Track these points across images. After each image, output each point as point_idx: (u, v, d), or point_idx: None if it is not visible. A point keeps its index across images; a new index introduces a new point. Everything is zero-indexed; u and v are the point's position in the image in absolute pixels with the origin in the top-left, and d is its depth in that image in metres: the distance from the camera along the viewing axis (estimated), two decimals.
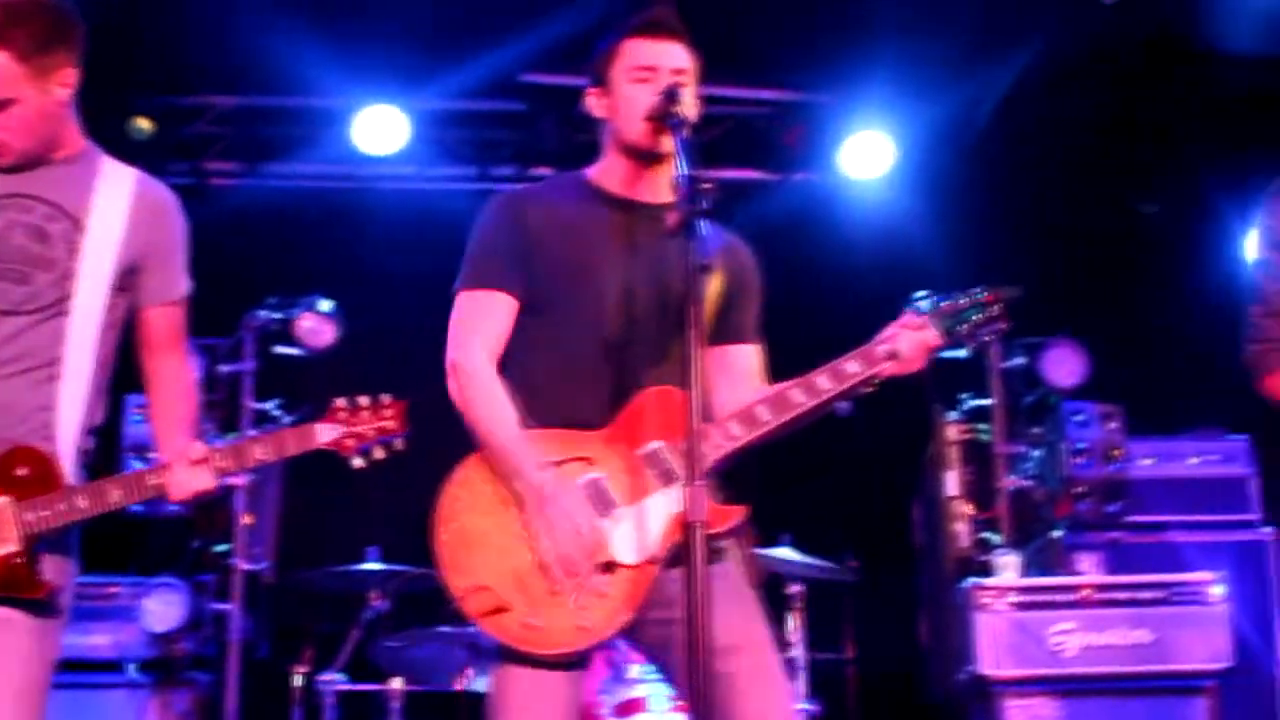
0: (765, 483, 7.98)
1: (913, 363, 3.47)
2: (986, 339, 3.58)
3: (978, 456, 6.90)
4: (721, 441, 3.40)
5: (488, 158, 8.43)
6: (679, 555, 3.27)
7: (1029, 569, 6.61)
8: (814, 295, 7.64)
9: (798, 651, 6.33)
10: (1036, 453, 6.95)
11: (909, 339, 3.48)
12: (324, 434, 3.53)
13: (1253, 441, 6.88)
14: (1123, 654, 5.88)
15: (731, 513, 3.42)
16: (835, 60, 7.68)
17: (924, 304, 3.57)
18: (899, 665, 7.69)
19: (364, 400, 3.57)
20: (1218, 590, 5.96)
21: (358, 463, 3.56)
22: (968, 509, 6.70)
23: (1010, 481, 6.83)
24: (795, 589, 6.37)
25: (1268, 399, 3.57)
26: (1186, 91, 7.69)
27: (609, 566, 3.35)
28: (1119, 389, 6.97)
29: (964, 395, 7.12)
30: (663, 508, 3.34)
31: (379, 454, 3.57)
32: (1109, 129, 7.93)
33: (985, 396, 7.02)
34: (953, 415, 6.91)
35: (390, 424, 3.58)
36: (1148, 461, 6.89)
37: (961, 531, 6.59)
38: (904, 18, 7.21)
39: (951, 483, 6.71)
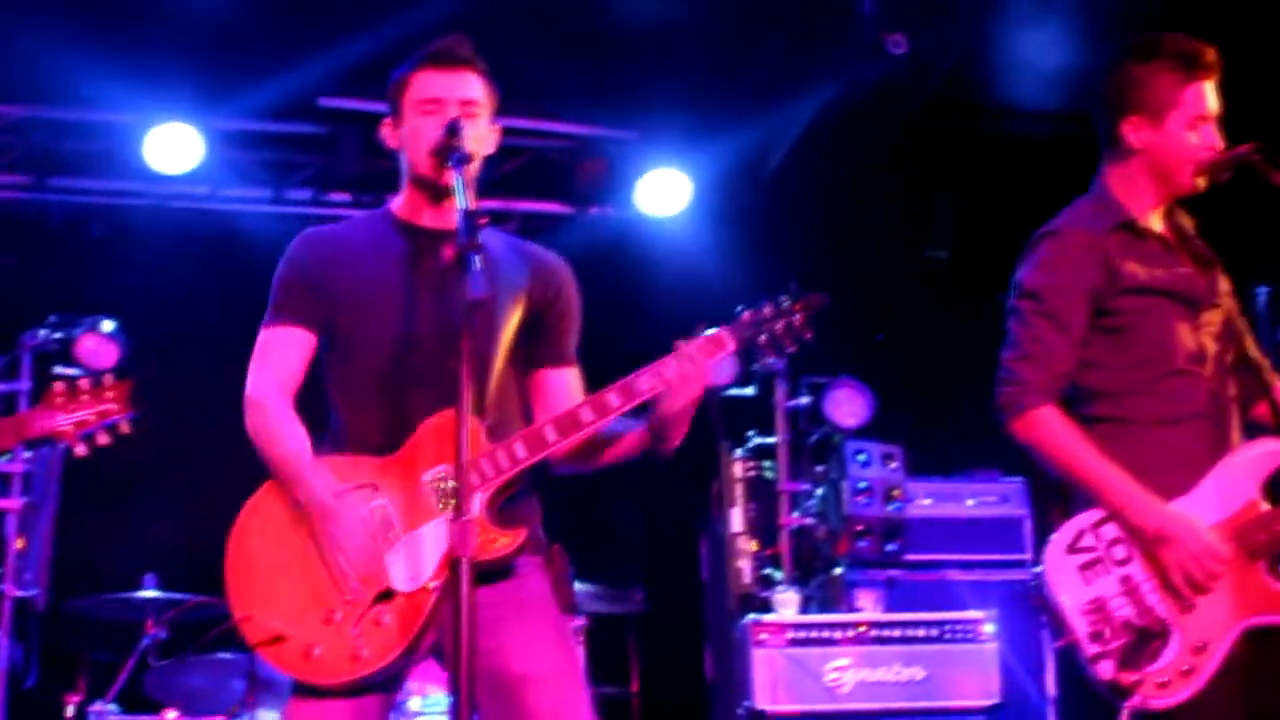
0: (549, 513, 8.07)
1: (694, 381, 3.45)
2: (791, 349, 3.58)
3: (762, 493, 7.00)
4: (505, 464, 3.40)
5: (284, 180, 8.31)
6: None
7: (811, 606, 6.72)
8: (608, 328, 7.66)
9: None
10: (819, 491, 7.07)
11: (699, 349, 3.48)
12: (41, 421, 3.43)
13: (1028, 483, 7.10)
14: (896, 690, 6.00)
15: (512, 536, 3.41)
16: (634, 97, 7.76)
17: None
18: (684, 699, 7.75)
19: (84, 383, 3.48)
20: (989, 628, 6.12)
21: (80, 450, 3.47)
22: (751, 545, 6.78)
23: (793, 519, 6.93)
24: (578, 621, 6.37)
25: (1016, 441, 3.68)
26: (973, 140, 7.93)
27: (387, 594, 3.33)
28: (901, 430, 7.14)
29: (750, 433, 7.21)
30: (441, 534, 3.31)
31: (103, 439, 3.49)
32: (899, 174, 8.12)
33: (770, 434, 7.13)
34: (739, 452, 7.00)
35: (112, 406, 3.50)
36: (927, 501, 7.07)
37: (744, 568, 6.67)
38: (702, 58, 7.31)
39: (736, 519, 6.79)
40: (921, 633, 6.05)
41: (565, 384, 3.68)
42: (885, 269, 8.20)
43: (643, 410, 3.51)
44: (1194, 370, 3.67)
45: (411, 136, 3.57)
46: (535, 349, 3.67)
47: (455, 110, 3.54)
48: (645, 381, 3.45)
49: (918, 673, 5.99)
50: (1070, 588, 3.52)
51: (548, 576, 3.55)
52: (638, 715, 7.55)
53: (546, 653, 3.44)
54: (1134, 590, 3.50)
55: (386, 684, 3.42)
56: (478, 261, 3.16)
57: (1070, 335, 3.65)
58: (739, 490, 6.87)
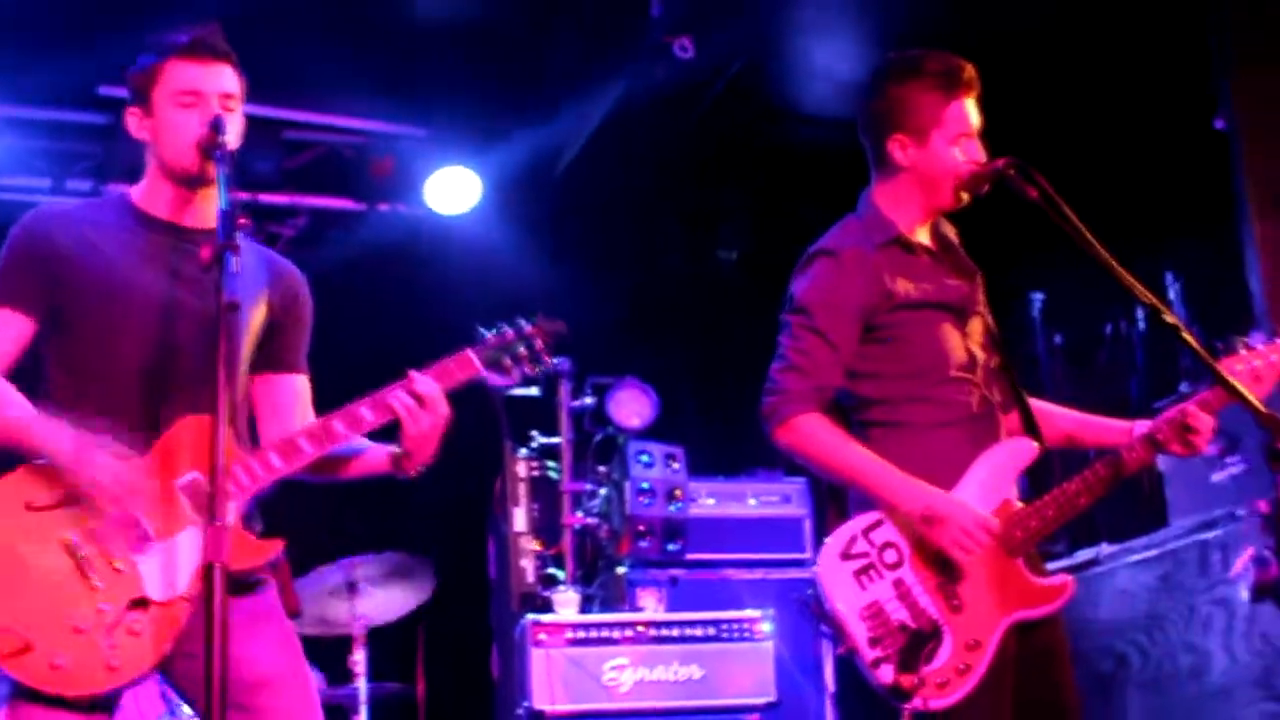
0: (336, 509, 7.99)
1: (433, 408, 3.44)
2: (532, 373, 3.60)
3: (546, 493, 7.01)
4: (260, 473, 3.36)
5: (64, 169, 8.10)
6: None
7: (594, 605, 6.75)
8: (398, 326, 7.63)
9: (361, 684, 6.30)
10: (603, 491, 7.09)
11: (439, 373, 3.48)
12: None
13: (809, 484, 7.21)
14: (674, 689, 6.04)
15: (268, 546, 3.39)
16: (424, 94, 7.72)
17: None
18: (470, 698, 7.72)
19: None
20: (765, 627, 6.18)
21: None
22: (534, 545, 6.79)
23: (575, 519, 6.95)
24: (360, 623, 6.34)
25: (780, 447, 3.75)
26: (766, 144, 8.03)
27: (141, 603, 3.25)
28: (685, 430, 7.22)
29: (535, 432, 7.22)
30: (196, 543, 3.25)
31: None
32: (691, 177, 8.20)
33: (555, 434, 7.14)
34: (523, 452, 7.00)
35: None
36: (710, 501, 7.14)
37: (527, 567, 6.67)
38: (493, 56, 7.30)
39: (519, 518, 6.79)
40: (699, 631, 6.11)
41: (295, 390, 3.66)
42: (674, 270, 8.27)
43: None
44: (965, 377, 3.79)
45: (168, 129, 3.48)
46: (268, 354, 3.63)
47: (216, 104, 3.47)
48: (398, 401, 3.43)
49: (695, 671, 6.04)
50: (846, 594, 3.58)
51: (274, 583, 3.50)
52: (423, 714, 7.52)
53: (277, 658, 3.42)
54: (906, 593, 3.59)
55: (106, 703, 3.30)
56: (234, 263, 3.10)
57: (838, 351, 3.74)
58: (522, 490, 6.87)
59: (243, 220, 3.25)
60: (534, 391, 7.02)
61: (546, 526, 6.94)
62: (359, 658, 6.32)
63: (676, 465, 6.97)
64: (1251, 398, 3.52)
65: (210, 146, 3.39)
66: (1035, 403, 3.97)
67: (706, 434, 7.38)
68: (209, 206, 3.49)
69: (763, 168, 8.06)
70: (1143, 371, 7.23)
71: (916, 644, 3.52)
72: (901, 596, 3.59)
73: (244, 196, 8.27)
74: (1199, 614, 5.81)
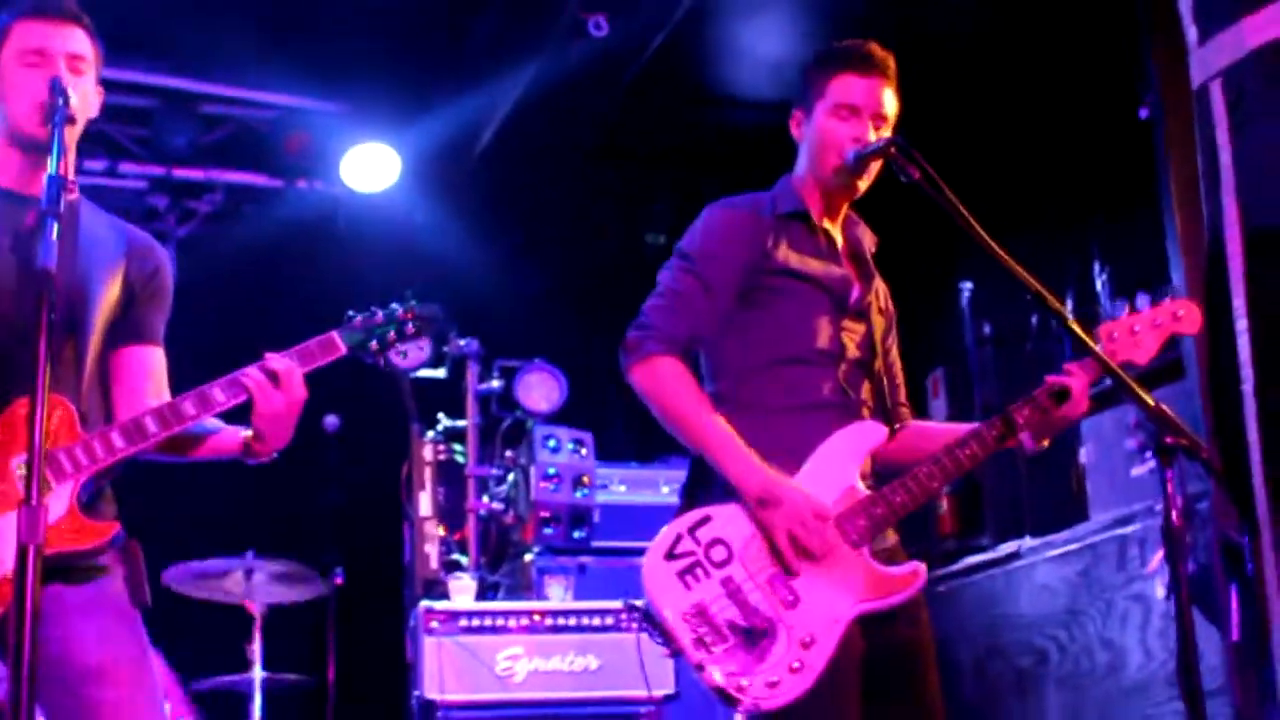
0: (239, 498, 7.86)
1: (288, 389, 3.34)
2: (398, 357, 3.51)
3: (453, 478, 6.88)
4: (100, 453, 3.24)
5: None
6: (50, 572, 3.10)
7: (501, 593, 6.62)
8: (315, 305, 7.49)
9: (256, 672, 6.18)
10: (510, 476, 6.97)
11: (300, 354, 3.38)
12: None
13: None
14: (569, 680, 5.93)
15: (101, 529, 3.27)
16: (341, 69, 7.59)
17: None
18: (383, 686, 7.60)
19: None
20: None
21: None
22: (439, 530, 6.67)
23: (480, 504, 6.81)
24: (256, 609, 6.21)
25: (633, 386, 3.62)
26: (695, 126, 7.92)
27: None
28: (596, 416, 7.09)
29: (441, 415, 7.09)
30: None
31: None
32: (617, 157, 8.09)
33: (462, 417, 7.00)
34: (429, 435, 6.87)
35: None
36: (620, 488, 7.03)
37: (431, 553, 6.55)
38: (412, 31, 7.17)
39: (424, 503, 6.67)
40: (597, 621, 6.00)
41: (148, 362, 3.53)
42: (599, 252, 8.15)
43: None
44: (822, 363, 3.65)
45: (11, 89, 3.36)
46: (123, 326, 3.50)
47: (62, 64, 3.35)
48: (250, 379, 3.33)
49: (591, 662, 5.93)
50: (671, 596, 3.40)
51: (122, 569, 3.38)
52: (332, 701, 7.39)
53: (116, 646, 3.30)
54: (736, 591, 3.41)
55: None
56: (54, 229, 2.95)
57: (714, 302, 3.62)
58: (429, 474, 6.75)
59: (72, 188, 3.15)
60: (440, 373, 6.91)
61: (452, 511, 6.82)
62: (254, 645, 6.18)
63: (584, 451, 6.85)
64: (1142, 393, 3.38)
65: (50, 109, 3.25)
66: (923, 423, 3.88)
67: (621, 420, 7.25)
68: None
69: (691, 149, 7.95)
70: (1070, 361, 7.13)
71: (748, 643, 3.37)
72: (730, 595, 3.41)
73: (159, 171, 8.15)
74: (1116, 609, 5.76)
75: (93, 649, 3.25)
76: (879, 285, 3.84)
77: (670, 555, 3.44)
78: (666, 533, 3.48)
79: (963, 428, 3.92)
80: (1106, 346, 3.64)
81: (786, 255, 3.65)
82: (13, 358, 3.24)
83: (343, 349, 3.42)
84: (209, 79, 7.78)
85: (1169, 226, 6.25)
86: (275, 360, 3.34)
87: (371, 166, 8.01)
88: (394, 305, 3.52)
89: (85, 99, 3.40)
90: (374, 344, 3.47)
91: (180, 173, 8.12)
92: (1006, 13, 7.11)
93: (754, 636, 3.38)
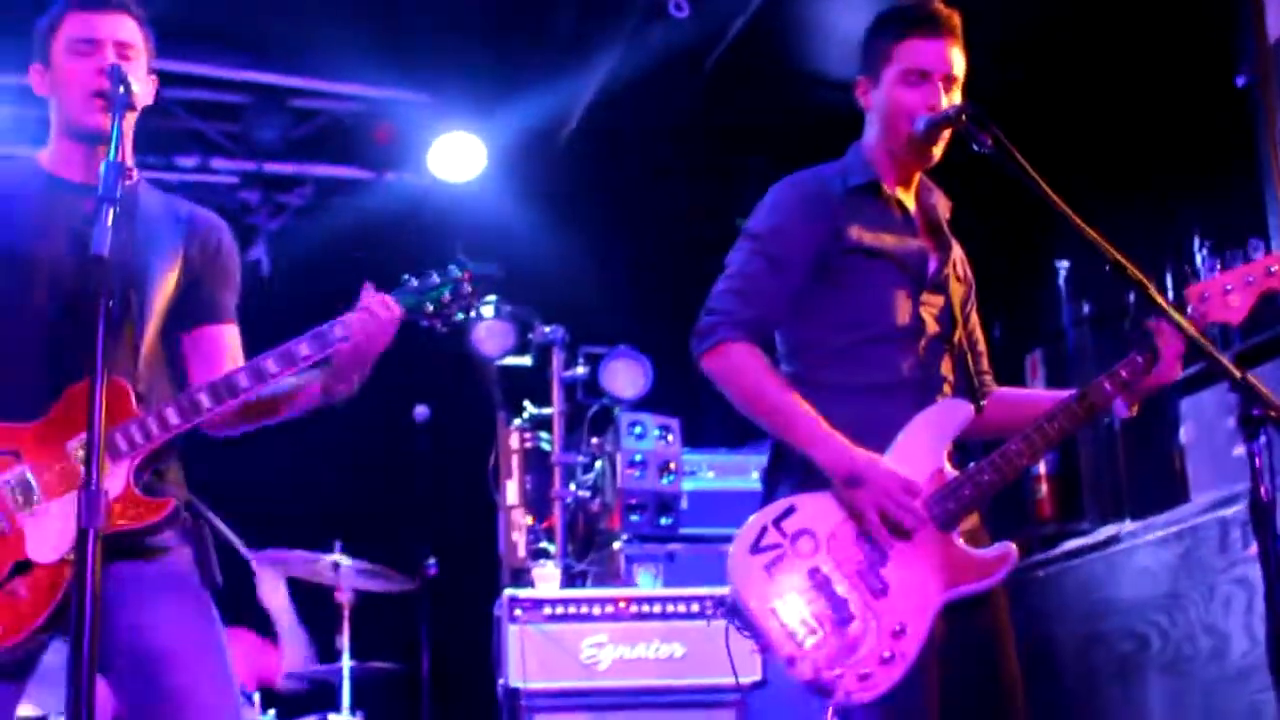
0: (331, 488, 7.90)
1: (369, 342, 3.32)
2: (458, 318, 3.49)
3: (539, 465, 6.86)
4: (156, 430, 3.26)
5: None
6: (111, 552, 3.09)
7: (589, 581, 6.59)
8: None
9: (345, 662, 6.20)
10: (597, 464, 6.92)
11: (361, 315, 3.34)
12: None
13: None
14: (654, 667, 5.83)
15: (158, 505, 3.27)
16: (425, 59, 7.59)
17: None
18: (475, 674, 7.61)
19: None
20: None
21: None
22: (526, 519, 6.64)
23: (566, 492, 6.78)
24: (344, 597, 6.23)
25: (707, 374, 3.55)
26: (785, 107, 7.82)
27: (25, 565, 3.17)
28: (682, 402, 7.01)
29: (528, 403, 7.06)
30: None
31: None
32: (705, 140, 8.02)
33: (548, 405, 6.97)
34: (516, 423, 6.85)
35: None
36: (709, 475, 6.96)
37: (519, 541, 6.52)
38: (492, 19, 7.16)
39: (511, 491, 6.64)
40: (683, 608, 5.89)
41: (221, 341, 3.54)
42: (688, 236, 8.08)
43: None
44: (902, 340, 3.56)
45: (65, 80, 3.40)
46: (192, 307, 3.51)
47: (112, 52, 3.37)
48: (306, 348, 3.33)
49: (677, 649, 5.84)
50: (758, 590, 3.33)
51: (190, 550, 3.40)
52: (427, 689, 7.41)
53: (187, 629, 3.31)
54: (824, 583, 3.34)
55: (17, 670, 3.25)
56: (109, 216, 2.96)
57: (786, 281, 3.54)
58: (515, 462, 6.72)
59: (131, 175, 3.19)
60: (526, 361, 6.89)
61: (539, 499, 6.79)
62: (344, 633, 6.21)
63: (671, 437, 6.79)
64: (1227, 363, 3.24)
65: (107, 96, 3.27)
66: (1007, 390, 3.78)
67: (709, 405, 7.16)
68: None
69: (778, 130, 7.84)
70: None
71: (836, 634, 3.29)
72: (818, 586, 3.33)
73: (250, 166, 8.22)
74: (1219, 594, 5.61)
75: (161, 634, 3.27)
76: (956, 253, 3.74)
77: (756, 548, 3.37)
78: (751, 525, 3.41)
79: (1046, 395, 3.83)
80: (1197, 308, 3.52)
81: (860, 232, 3.57)
82: (72, 341, 3.25)
83: (398, 311, 3.37)
84: (297, 73, 7.82)
85: (1269, 195, 6.09)
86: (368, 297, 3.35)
87: (458, 156, 8.02)
88: (450, 266, 3.50)
89: (143, 89, 3.41)
90: (429, 306, 3.44)
91: (271, 167, 8.19)
92: None
93: (844, 628, 3.30)
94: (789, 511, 3.40)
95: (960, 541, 3.43)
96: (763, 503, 3.52)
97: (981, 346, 3.78)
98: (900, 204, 3.67)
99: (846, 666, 3.27)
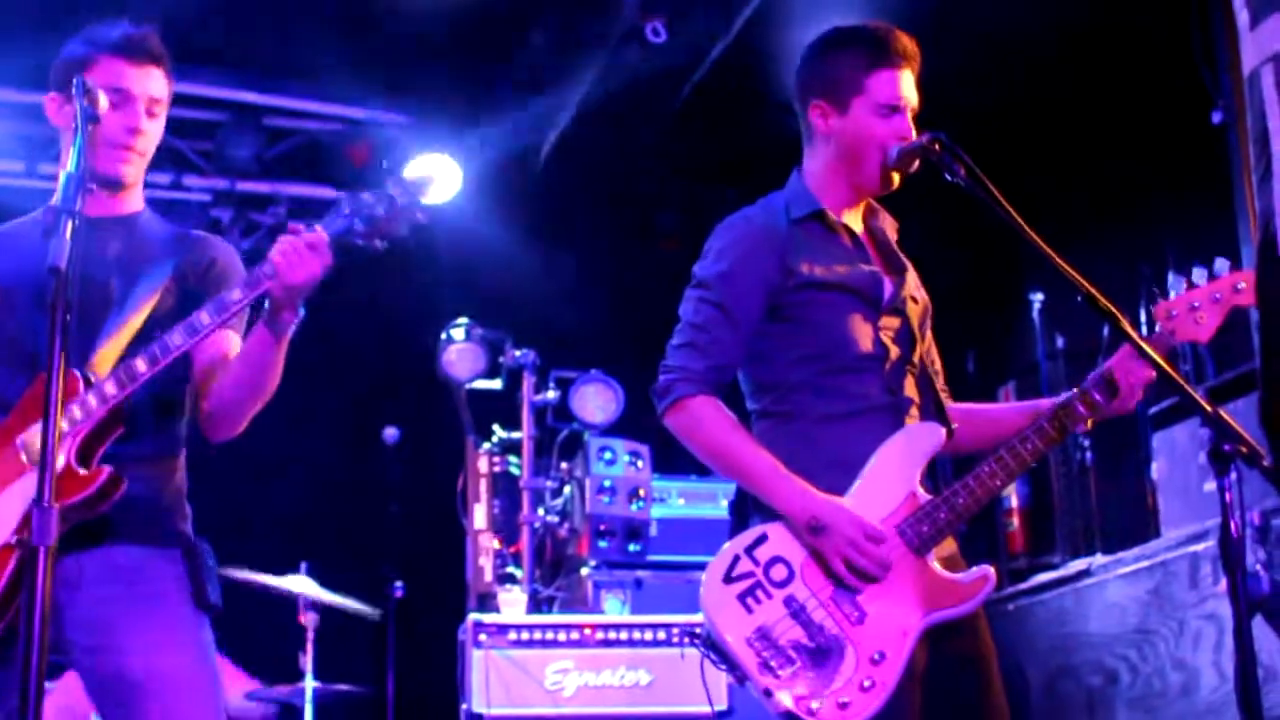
0: (298, 509, 7.85)
1: (294, 269, 3.25)
2: (400, 233, 3.45)
3: (508, 490, 6.81)
4: (94, 405, 3.24)
5: (39, 153, 7.99)
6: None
7: (556, 607, 6.54)
8: (378, 313, 7.53)
9: (308, 683, 6.14)
10: (566, 489, 6.88)
11: (283, 245, 3.29)
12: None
13: None
14: (620, 695, 5.80)
15: (88, 477, 3.21)
16: (402, 80, 7.57)
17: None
18: (439, 699, 7.56)
19: None
20: None
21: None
22: (494, 543, 6.59)
23: (535, 517, 6.73)
24: (308, 618, 6.17)
25: (671, 430, 3.54)
26: (757, 133, 7.80)
27: None
28: (654, 428, 6.97)
29: (497, 426, 7.02)
30: (27, 489, 3.15)
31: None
32: (677, 166, 8.01)
33: (518, 429, 6.93)
34: (485, 447, 6.81)
35: None
36: (680, 502, 6.93)
37: (486, 566, 6.47)
38: (471, 41, 7.14)
39: (480, 515, 6.60)
40: (649, 635, 5.87)
41: (221, 345, 3.50)
42: (660, 261, 8.06)
43: None
44: (866, 367, 3.52)
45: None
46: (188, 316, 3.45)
47: (141, 108, 3.45)
48: (237, 293, 3.30)
49: (643, 677, 5.80)
50: (732, 621, 3.28)
51: (182, 570, 3.36)
52: (391, 712, 7.35)
53: (168, 657, 3.27)
54: (799, 611, 3.30)
55: None
56: (67, 228, 2.93)
57: (738, 328, 3.50)
58: (484, 486, 6.68)
59: (91, 187, 3.15)
60: (496, 385, 6.85)
61: (508, 524, 6.75)
62: (306, 656, 6.15)
63: (641, 464, 6.76)
64: (1199, 398, 3.21)
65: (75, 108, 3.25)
66: (960, 405, 3.72)
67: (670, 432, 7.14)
68: (130, 198, 3.56)
69: (754, 157, 7.82)
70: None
71: (815, 663, 3.24)
72: (794, 615, 3.29)
73: (223, 184, 8.19)
74: (1189, 629, 5.59)
75: (142, 660, 3.24)
76: (910, 275, 3.69)
77: (729, 578, 3.33)
78: (724, 554, 3.37)
79: (1006, 409, 3.80)
80: (1164, 326, 3.51)
81: (810, 266, 3.51)
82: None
83: (325, 234, 3.31)
84: (273, 92, 7.79)
85: (1244, 231, 6.10)
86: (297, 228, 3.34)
87: (434, 177, 7.97)
88: (385, 181, 3.46)
89: (151, 139, 3.50)
90: (359, 224, 3.37)
91: (244, 185, 8.14)
92: (1077, 15, 6.97)
93: (821, 657, 3.26)
94: (761, 540, 3.36)
95: (937, 566, 3.39)
96: (732, 532, 3.47)
97: (938, 365, 3.74)
98: (848, 230, 3.62)
99: (825, 696, 3.22)
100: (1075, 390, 3.55)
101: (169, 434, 3.48)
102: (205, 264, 3.55)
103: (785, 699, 3.21)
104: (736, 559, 3.34)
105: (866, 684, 3.24)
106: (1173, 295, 3.58)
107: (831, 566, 3.30)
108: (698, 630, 3.35)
